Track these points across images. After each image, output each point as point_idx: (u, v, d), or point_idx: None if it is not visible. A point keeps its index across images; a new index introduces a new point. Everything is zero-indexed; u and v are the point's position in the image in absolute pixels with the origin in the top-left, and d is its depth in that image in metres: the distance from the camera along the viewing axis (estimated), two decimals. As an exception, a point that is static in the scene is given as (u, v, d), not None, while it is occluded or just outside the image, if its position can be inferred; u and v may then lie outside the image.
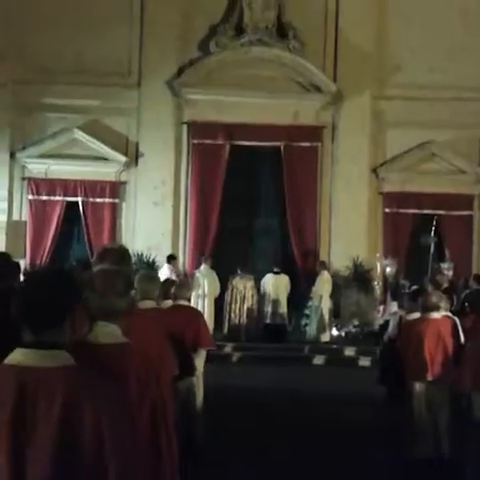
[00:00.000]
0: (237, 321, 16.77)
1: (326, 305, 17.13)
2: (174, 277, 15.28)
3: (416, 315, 8.54)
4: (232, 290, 16.78)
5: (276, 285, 16.97)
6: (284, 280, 17.08)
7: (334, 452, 8.24)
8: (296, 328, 17.53)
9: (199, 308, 14.97)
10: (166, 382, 3.67)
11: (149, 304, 5.92)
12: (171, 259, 17.16)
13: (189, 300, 8.47)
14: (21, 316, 2.30)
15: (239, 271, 16.88)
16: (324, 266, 17.55)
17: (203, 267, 17.02)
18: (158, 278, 6.94)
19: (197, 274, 16.87)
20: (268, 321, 16.96)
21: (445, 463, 7.61)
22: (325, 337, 17.05)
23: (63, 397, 2.14)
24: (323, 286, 17.10)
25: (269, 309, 16.94)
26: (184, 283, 9.50)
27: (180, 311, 7.70)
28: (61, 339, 2.29)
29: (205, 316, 12.57)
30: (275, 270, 17.09)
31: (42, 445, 2.11)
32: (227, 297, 16.79)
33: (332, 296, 17.31)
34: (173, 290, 8.13)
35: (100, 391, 2.21)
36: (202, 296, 16.60)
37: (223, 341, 16.05)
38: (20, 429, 2.14)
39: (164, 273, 15.48)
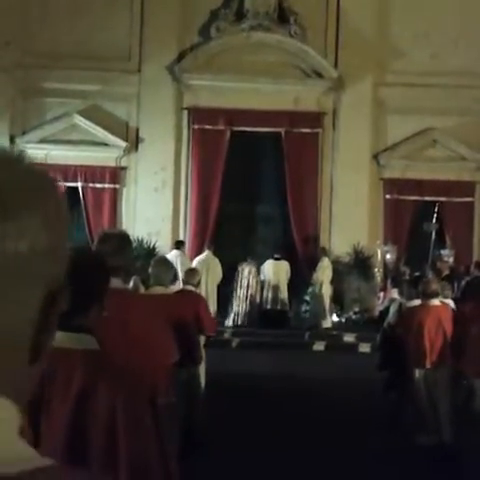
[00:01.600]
0: (240, 307, 16.82)
1: (327, 291, 17.14)
2: (186, 263, 15.24)
3: (416, 302, 8.54)
4: (238, 276, 16.84)
5: (276, 271, 16.99)
6: (284, 266, 17.08)
7: (334, 439, 8.25)
8: (296, 314, 17.56)
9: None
10: (165, 368, 3.65)
11: (159, 290, 5.96)
12: (180, 245, 17.09)
13: (197, 286, 8.46)
14: None
15: (249, 259, 16.96)
16: (325, 252, 17.55)
17: (206, 253, 16.98)
18: (171, 264, 6.95)
19: (195, 261, 16.78)
20: (269, 307, 16.99)
21: (446, 450, 7.61)
22: (326, 323, 17.06)
23: (80, 380, 2.13)
24: (323, 272, 17.10)
25: (269, 295, 16.96)
26: (192, 269, 9.52)
27: (183, 296, 7.68)
28: (88, 323, 2.27)
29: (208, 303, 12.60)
30: (275, 256, 17.10)
31: (56, 425, 2.10)
32: (234, 283, 16.85)
33: (333, 282, 17.31)
34: (182, 276, 8.18)
35: (118, 379, 2.19)
36: (205, 282, 16.60)
37: (224, 327, 16.09)
38: (36, 408, 2.13)
39: (173, 259, 15.28)
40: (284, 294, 17.03)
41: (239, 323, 16.73)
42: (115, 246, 4.06)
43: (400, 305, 10.01)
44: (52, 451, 2.10)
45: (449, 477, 7.06)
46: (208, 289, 16.52)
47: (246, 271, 16.84)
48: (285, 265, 17.10)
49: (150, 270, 6.25)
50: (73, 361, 2.17)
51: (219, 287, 16.95)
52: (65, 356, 2.18)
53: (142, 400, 2.19)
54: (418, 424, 8.04)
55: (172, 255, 16.15)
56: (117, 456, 2.09)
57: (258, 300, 16.95)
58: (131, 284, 8.03)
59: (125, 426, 2.10)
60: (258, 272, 16.99)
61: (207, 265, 16.64)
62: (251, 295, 16.81)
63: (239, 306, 16.83)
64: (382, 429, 8.68)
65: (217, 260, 16.91)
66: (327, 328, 16.98)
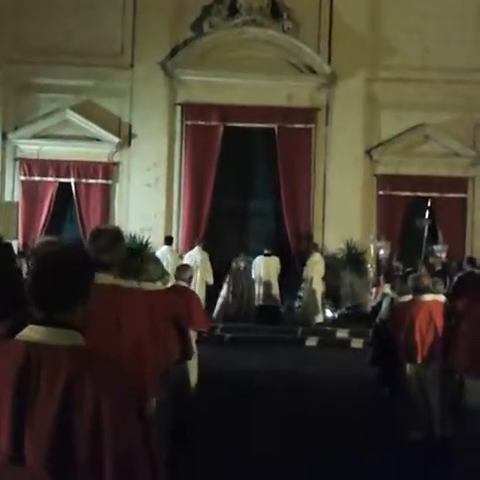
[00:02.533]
0: (232, 303, 16.81)
1: (319, 287, 17.14)
2: (175, 259, 15.25)
3: (408, 297, 8.56)
4: (231, 272, 16.83)
5: (266, 267, 16.96)
6: (274, 262, 17.06)
7: (326, 434, 8.26)
8: (289, 310, 17.55)
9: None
10: (159, 364, 3.65)
11: (150, 286, 5.98)
12: (169, 241, 17.09)
13: (190, 282, 8.48)
14: (32, 298, 2.30)
15: (242, 254, 16.98)
16: (315, 248, 17.56)
17: (196, 249, 16.96)
18: (159, 260, 6.97)
19: (185, 257, 16.76)
20: (261, 303, 16.98)
21: (437, 444, 7.65)
22: (318, 319, 17.07)
23: (66, 376, 2.14)
24: (313, 267, 17.10)
25: (261, 291, 16.95)
26: (184, 265, 9.54)
27: (176, 292, 7.68)
28: (72, 318, 2.29)
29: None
30: (266, 252, 17.09)
31: (42, 422, 2.11)
32: (227, 278, 16.84)
33: (325, 278, 17.31)
34: (174, 272, 8.19)
35: (104, 374, 2.20)
36: (194, 278, 16.58)
37: (215, 322, 16.08)
38: (22, 404, 2.14)
39: (163, 255, 15.31)
40: (275, 290, 17.02)
41: (226, 318, 16.70)
42: (107, 242, 4.07)
43: (392, 300, 10.03)
44: (37, 447, 2.11)
45: (441, 470, 7.09)
46: (197, 284, 16.52)
47: (238, 266, 16.85)
48: (275, 261, 17.08)
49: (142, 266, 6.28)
50: (58, 357, 2.19)
51: (208, 282, 16.93)
52: (50, 352, 2.20)
53: (129, 396, 2.21)
54: (410, 419, 8.07)
55: (162, 251, 16.19)
56: (102, 452, 2.10)
57: (246, 296, 16.96)
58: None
59: (111, 422, 2.12)
60: (250, 267, 17.00)
61: (197, 260, 16.62)
62: (243, 291, 16.82)
63: (231, 301, 16.83)
64: (375, 424, 8.71)
65: (207, 255, 16.89)
66: (319, 324, 16.98)
